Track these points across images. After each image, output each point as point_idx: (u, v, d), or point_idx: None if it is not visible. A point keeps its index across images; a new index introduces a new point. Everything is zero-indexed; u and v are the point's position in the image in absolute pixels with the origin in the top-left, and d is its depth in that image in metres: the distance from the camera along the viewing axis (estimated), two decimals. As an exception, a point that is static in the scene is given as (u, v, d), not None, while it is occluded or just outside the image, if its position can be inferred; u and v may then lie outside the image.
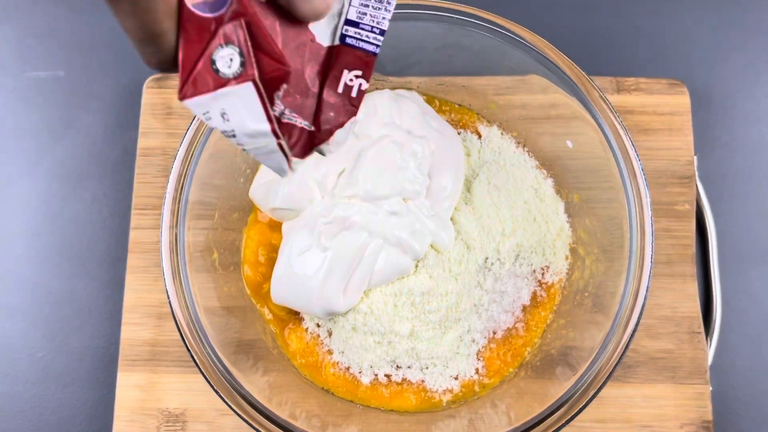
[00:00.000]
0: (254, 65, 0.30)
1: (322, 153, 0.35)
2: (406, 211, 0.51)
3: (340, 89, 0.33)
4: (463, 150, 0.56)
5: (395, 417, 0.53)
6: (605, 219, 0.52)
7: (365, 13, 0.33)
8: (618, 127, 0.50)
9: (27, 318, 0.61)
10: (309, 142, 0.34)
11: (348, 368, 0.53)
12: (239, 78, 0.29)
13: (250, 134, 0.31)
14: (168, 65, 0.30)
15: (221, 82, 0.29)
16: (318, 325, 0.54)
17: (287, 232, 0.53)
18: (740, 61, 0.66)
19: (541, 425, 0.46)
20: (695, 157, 0.60)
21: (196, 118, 0.50)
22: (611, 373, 0.46)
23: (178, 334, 0.47)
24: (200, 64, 0.29)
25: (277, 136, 0.32)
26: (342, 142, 0.34)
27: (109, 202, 0.63)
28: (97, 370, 0.60)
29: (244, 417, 0.46)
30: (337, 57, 0.33)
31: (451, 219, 0.53)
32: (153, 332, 0.57)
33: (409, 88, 0.58)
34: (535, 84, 0.53)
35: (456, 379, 0.53)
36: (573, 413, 0.46)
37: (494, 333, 0.54)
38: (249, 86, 0.30)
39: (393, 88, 0.57)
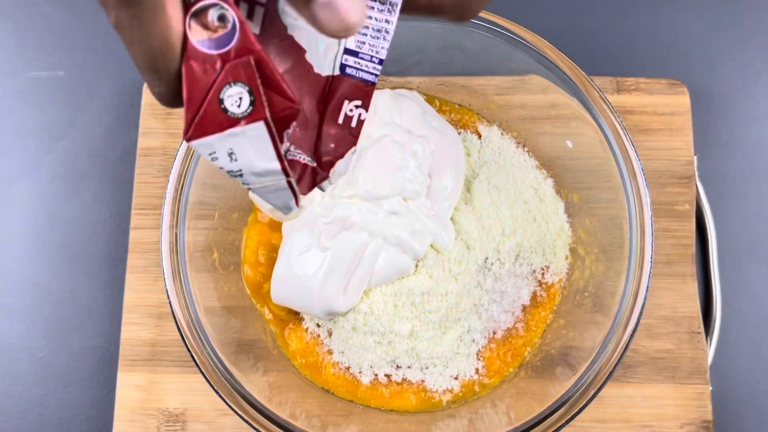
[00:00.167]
0: (265, 104, 0.29)
1: (322, 189, 0.34)
2: (406, 211, 0.51)
3: (341, 120, 0.33)
4: (464, 150, 0.56)
5: (395, 417, 0.53)
6: (605, 219, 0.52)
7: (364, 42, 0.32)
8: (618, 127, 0.50)
9: (27, 318, 0.61)
10: (312, 177, 0.33)
11: (348, 368, 0.53)
12: (249, 117, 0.28)
13: (258, 173, 0.30)
14: (172, 97, 0.29)
15: (231, 122, 0.28)
16: (318, 325, 0.54)
17: (287, 232, 0.53)
18: (740, 61, 0.66)
19: (541, 425, 0.46)
20: (695, 157, 0.60)
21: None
22: (611, 373, 0.46)
23: (178, 334, 0.48)
24: (207, 103, 0.28)
25: (287, 174, 0.31)
26: (342, 173, 0.33)
27: (109, 202, 0.63)
28: (97, 370, 0.60)
29: (244, 417, 0.46)
30: (337, 87, 0.33)
31: (451, 219, 0.53)
32: (153, 332, 0.57)
33: (410, 88, 0.58)
34: (535, 84, 0.53)
35: (456, 379, 0.53)
36: (573, 413, 0.46)
37: (494, 333, 0.54)
38: (260, 126, 0.29)
39: (393, 88, 0.57)
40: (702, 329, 0.57)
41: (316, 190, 0.51)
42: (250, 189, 0.32)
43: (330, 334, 0.54)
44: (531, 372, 0.53)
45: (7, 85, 0.66)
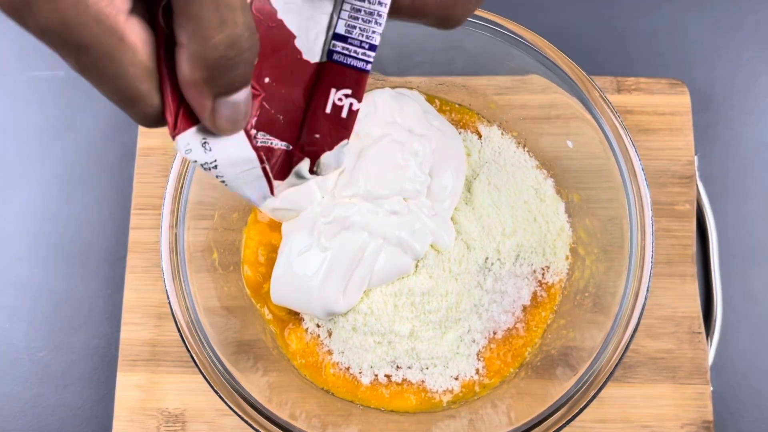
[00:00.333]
0: None
1: (303, 177, 0.33)
2: (406, 211, 0.51)
3: (328, 109, 0.31)
4: (464, 150, 0.56)
5: (395, 417, 0.53)
6: (605, 219, 0.52)
7: (354, 27, 0.30)
8: (618, 127, 0.50)
9: (27, 318, 0.61)
10: (288, 161, 0.32)
11: (348, 368, 0.53)
12: None
13: (233, 162, 0.30)
14: (153, 123, 0.28)
15: None
16: (318, 326, 0.54)
17: (287, 232, 0.53)
18: (740, 61, 0.66)
19: (541, 425, 0.46)
20: (696, 157, 0.60)
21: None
22: (611, 373, 0.46)
23: (177, 334, 0.47)
24: (182, 105, 0.27)
25: (261, 161, 0.31)
26: (332, 165, 0.32)
27: (109, 202, 0.63)
28: (97, 370, 0.60)
29: (244, 417, 0.46)
30: (324, 75, 0.31)
31: (452, 219, 0.53)
32: (153, 332, 0.57)
33: (410, 88, 0.58)
34: (535, 84, 0.53)
35: (456, 379, 0.53)
36: (573, 413, 0.46)
37: (494, 333, 0.54)
38: None
39: (393, 87, 0.57)
40: (702, 329, 0.57)
41: (316, 190, 0.51)
42: (225, 183, 0.31)
43: (330, 335, 0.54)
44: (531, 372, 0.53)
45: (7, 85, 0.66)
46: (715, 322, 0.58)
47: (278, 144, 0.31)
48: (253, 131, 0.30)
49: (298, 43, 0.31)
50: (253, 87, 0.29)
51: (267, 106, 0.30)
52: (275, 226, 0.55)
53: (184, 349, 0.48)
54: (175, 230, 0.49)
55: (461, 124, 0.59)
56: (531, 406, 0.48)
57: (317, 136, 0.31)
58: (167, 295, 0.48)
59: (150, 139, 0.61)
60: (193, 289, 0.49)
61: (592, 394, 0.46)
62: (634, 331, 0.47)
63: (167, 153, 0.61)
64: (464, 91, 0.58)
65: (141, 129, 0.61)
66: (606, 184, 0.51)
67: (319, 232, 0.50)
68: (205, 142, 0.29)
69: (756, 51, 0.66)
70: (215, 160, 0.30)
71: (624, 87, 0.61)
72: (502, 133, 0.58)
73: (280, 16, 0.30)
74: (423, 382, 0.53)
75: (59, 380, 0.60)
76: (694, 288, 0.58)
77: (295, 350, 0.54)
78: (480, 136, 0.58)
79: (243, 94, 0.27)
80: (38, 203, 0.63)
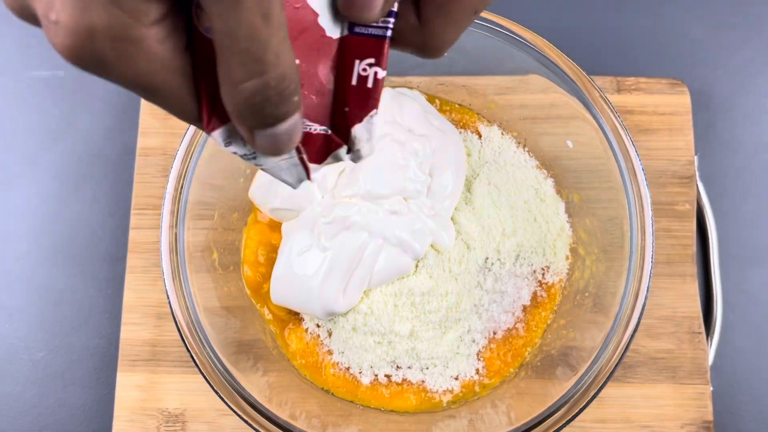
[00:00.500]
0: None
1: (340, 158, 0.33)
2: (406, 211, 0.51)
3: (354, 81, 0.31)
4: (465, 149, 0.56)
5: (395, 417, 0.53)
6: (605, 219, 0.52)
7: None
8: (618, 127, 0.50)
9: (27, 318, 0.61)
10: (327, 146, 0.32)
11: (348, 368, 0.53)
12: None
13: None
14: (188, 119, 0.28)
15: None
16: (318, 326, 0.54)
17: (287, 232, 0.53)
18: (740, 61, 0.66)
19: (541, 425, 0.46)
20: (696, 157, 0.60)
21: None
22: (611, 373, 0.46)
23: (177, 334, 0.47)
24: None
25: (299, 152, 0.30)
26: (364, 138, 0.32)
27: (109, 202, 0.63)
28: (97, 370, 0.60)
29: (244, 417, 0.46)
30: (346, 48, 0.31)
31: (452, 219, 0.53)
32: (153, 332, 0.57)
33: (410, 88, 0.58)
34: (535, 84, 0.53)
35: (456, 379, 0.53)
36: (573, 413, 0.46)
37: (494, 333, 0.54)
38: None
39: (393, 87, 0.57)
40: (702, 329, 0.57)
41: (316, 190, 0.51)
42: (263, 170, 0.31)
43: (330, 335, 0.54)
44: (531, 372, 0.53)
45: (7, 85, 0.66)
46: (715, 322, 0.58)
47: (317, 129, 0.31)
48: None
49: (321, 21, 0.31)
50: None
51: (304, 92, 0.30)
52: (275, 226, 0.55)
53: (184, 349, 0.48)
54: (175, 230, 0.49)
55: (461, 124, 0.59)
56: (531, 406, 0.48)
57: (346, 109, 0.31)
58: (167, 295, 0.48)
59: (150, 139, 0.61)
60: (193, 289, 0.49)
61: (592, 394, 0.46)
62: (634, 331, 0.47)
63: (167, 153, 0.61)
64: (464, 91, 0.58)
65: (141, 129, 0.61)
66: (606, 184, 0.51)
67: (319, 232, 0.50)
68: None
69: (756, 51, 0.66)
70: (255, 152, 0.30)
71: (624, 87, 0.61)
72: (502, 133, 0.58)
73: None
74: (423, 382, 0.53)
75: (59, 380, 0.60)
76: (694, 288, 0.58)
77: (295, 350, 0.54)
78: (480, 136, 0.58)
79: (283, 127, 0.27)
80: (38, 203, 0.63)
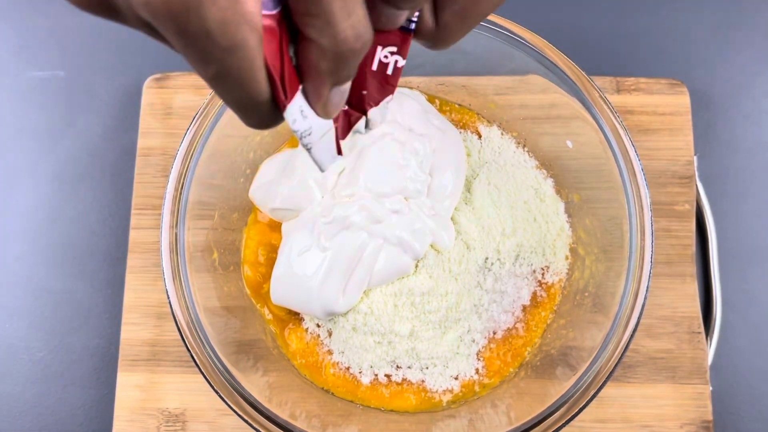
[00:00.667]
0: None
1: (360, 132, 0.34)
2: (406, 210, 0.51)
3: (374, 66, 0.32)
4: (465, 149, 0.56)
5: (395, 417, 0.53)
6: (605, 219, 0.52)
7: None
8: (618, 127, 0.50)
9: (27, 318, 0.61)
10: (347, 120, 0.33)
11: (348, 368, 0.53)
12: None
13: (321, 126, 0.31)
14: (268, 119, 0.28)
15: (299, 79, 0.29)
16: (318, 326, 0.54)
17: (287, 232, 0.53)
18: (740, 61, 0.66)
19: (541, 425, 0.46)
20: (695, 157, 0.60)
21: (195, 118, 0.50)
22: (611, 373, 0.46)
23: (178, 334, 0.47)
24: (285, 67, 0.27)
25: (336, 121, 0.32)
26: (378, 121, 0.33)
27: (109, 202, 0.63)
28: (97, 370, 0.60)
29: (244, 417, 0.46)
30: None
31: (452, 219, 0.53)
32: (153, 332, 0.57)
33: (410, 88, 0.58)
34: (535, 84, 0.53)
35: (456, 379, 0.53)
36: (573, 413, 0.46)
37: (494, 333, 0.54)
38: None
39: (393, 88, 0.57)
40: (702, 329, 0.57)
41: (316, 190, 0.51)
42: (309, 149, 0.32)
43: (330, 335, 0.54)
44: (531, 372, 0.53)
45: (7, 85, 0.66)
46: (715, 322, 0.58)
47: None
48: None
49: None
50: None
51: None
52: (275, 226, 0.55)
53: (184, 349, 0.48)
54: (175, 230, 0.49)
55: (461, 124, 0.59)
56: (531, 405, 0.48)
57: (364, 92, 0.32)
58: (167, 295, 0.48)
59: (150, 139, 0.61)
60: (193, 289, 0.49)
61: (592, 393, 0.46)
62: (634, 331, 0.47)
63: (167, 153, 0.61)
64: (464, 91, 0.58)
65: (141, 129, 0.61)
66: (606, 184, 0.51)
67: (319, 232, 0.50)
68: (302, 110, 0.30)
69: (756, 51, 0.66)
70: (311, 126, 0.30)
71: (624, 87, 0.61)
72: (502, 133, 0.58)
73: None
74: (423, 381, 0.53)
75: (59, 380, 0.60)
76: (693, 288, 0.58)
77: (295, 350, 0.54)
78: (480, 136, 0.58)
79: (348, 84, 0.29)
80: (38, 203, 0.63)
